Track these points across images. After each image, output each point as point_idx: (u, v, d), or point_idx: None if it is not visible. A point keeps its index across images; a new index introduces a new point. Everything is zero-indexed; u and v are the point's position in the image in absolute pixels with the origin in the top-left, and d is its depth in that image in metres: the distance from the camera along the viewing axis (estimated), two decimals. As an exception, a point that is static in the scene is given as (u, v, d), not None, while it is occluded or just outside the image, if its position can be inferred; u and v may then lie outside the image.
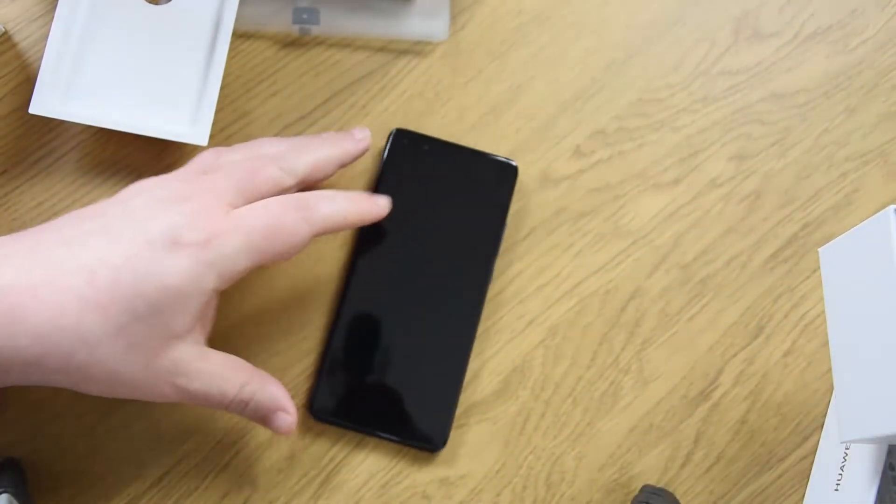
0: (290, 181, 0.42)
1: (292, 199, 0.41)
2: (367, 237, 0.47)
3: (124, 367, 0.36)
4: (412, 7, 0.47)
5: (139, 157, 0.48)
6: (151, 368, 0.37)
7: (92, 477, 0.44)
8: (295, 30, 0.48)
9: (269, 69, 0.49)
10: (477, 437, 0.46)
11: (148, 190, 0.39)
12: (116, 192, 0.47)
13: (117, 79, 0.45)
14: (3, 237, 0.38)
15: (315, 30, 0.48)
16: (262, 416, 0.41)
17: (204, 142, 0.44)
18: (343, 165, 0.45)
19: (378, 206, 0.45)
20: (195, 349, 0.39)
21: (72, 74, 0.45)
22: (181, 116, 0.45)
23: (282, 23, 0.48)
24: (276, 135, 0.48)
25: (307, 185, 0.44)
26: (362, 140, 0.46)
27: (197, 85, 0.45)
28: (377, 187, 0.47)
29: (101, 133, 0.47)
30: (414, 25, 0.48)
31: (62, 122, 0.47)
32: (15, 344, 0.34)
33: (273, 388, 0.41)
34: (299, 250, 0.41)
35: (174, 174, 0.41)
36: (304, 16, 0.47)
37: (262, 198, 0.40)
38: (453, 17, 0.50)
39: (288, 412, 0.41)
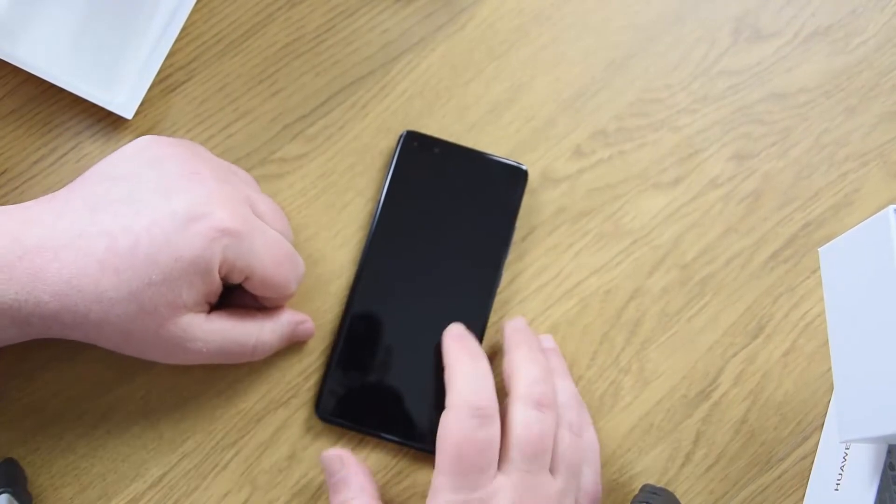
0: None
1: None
2: (376, 238, 0.47)
3: (136, 328, 0.38)
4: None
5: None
6: (161, 334, 0.39)
7: (92, 477, 0.44)
8: None
9: (269, 69, 0.49)
10: (477, 437, 0.46)
11: (182, 160, 0.40)
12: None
13: (68, 39, 0.47)
14: (36, 200, 0.39)
15: None
16: (288, 341, 0.45)
17: (129, 115, 0.46)
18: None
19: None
20: (201, 316, 0.41)
21: (24, 21, 0.47)
22: (116, 88, 0.47)
23: None
24: (276, 134, 0.48)
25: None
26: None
27: (139, 63, 0.48)
28: (387, 188, 0.47)
29: (100, 134, 0.47)
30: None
31: (62, 122, 0.47)
32: (37, 299, 0.37)
33: (284, 317, 0.44)
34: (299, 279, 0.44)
35: (205, 154, 0.42)
36: None
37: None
38: (454, 17, 0.50)
39: (304, 321, 0.45)
